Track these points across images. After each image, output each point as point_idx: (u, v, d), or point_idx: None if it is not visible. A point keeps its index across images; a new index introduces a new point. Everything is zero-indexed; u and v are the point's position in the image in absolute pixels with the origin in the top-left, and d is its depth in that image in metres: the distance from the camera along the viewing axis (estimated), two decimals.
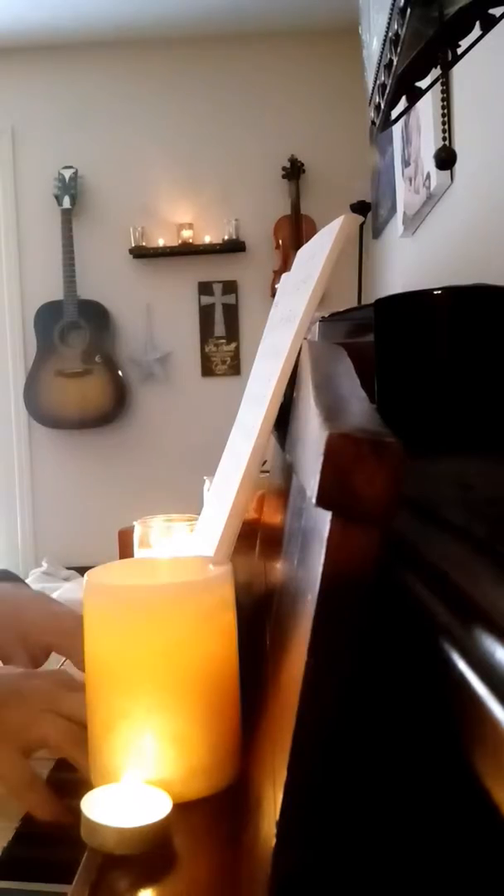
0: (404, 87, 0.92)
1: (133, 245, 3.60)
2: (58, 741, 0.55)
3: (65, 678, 0.60)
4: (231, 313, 3.66)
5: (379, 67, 0.93)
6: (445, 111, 0.96)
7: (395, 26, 0.82)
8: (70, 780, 0.56)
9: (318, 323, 1.00)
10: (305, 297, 0.56)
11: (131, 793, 0.42)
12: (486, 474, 0.47)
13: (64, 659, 0.84)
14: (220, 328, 3.67)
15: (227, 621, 0.47)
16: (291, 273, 0.72)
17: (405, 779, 0.33)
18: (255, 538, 0.84)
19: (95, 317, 3.59)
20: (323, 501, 0.27)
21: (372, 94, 1.00)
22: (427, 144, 2.04)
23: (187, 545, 0.76)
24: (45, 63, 3.63)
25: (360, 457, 0.26)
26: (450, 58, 0.85)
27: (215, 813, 0.44)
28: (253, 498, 0.87)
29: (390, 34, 0.84)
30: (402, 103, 0.96)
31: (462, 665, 0.24)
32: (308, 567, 0.33)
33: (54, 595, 3.01)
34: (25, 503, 3.73)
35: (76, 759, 0.54)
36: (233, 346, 3.67)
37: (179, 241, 3.61)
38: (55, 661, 0.77)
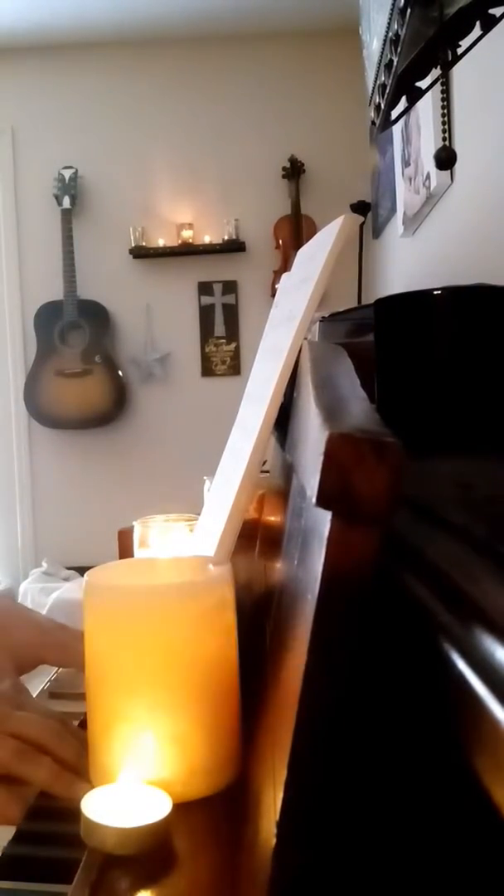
0: (404, 87, 0.92)
1: (133, 245, 3.60)
2: (4, 759, 0.54)
3: (8, 695, 0.59)
4: (231, 313, 3.67)
5: (379, 67, 0.93)
6: (445, 111, 0.96)
7: (396, 26, 0.82)
8: (54, 807, 0.55)
9: (318, 323, 1.00)
10: (305, 297, 0.56)
11: (131, 793, 0.42)
12: (486, 474, 0.47)
13: (56, 670, 0.83)
14: (220, 328, 3.67)
15: (227, 621, 0.47)
16: (291, 273, 0.72)
17: (405, 778, 0.33)
18: (255, 538, 0.84)
19: (95, 317, 3.59)
20: (323, 501, 0.27)
21: (372, 94, 1.00)
22: (427, 144, 2.04)
23: (187, 545, 0.76)
24: (46, 63, 3.63)
25: (360, 457, 0.26)
26: (450, 58, 0.85)
27: (215, 813, 0.44)
28: (253, 498, 0.87)
29: (390, 34, 0.84)
30: (402, 103, 0.96)
31: (462, 665, 0.24)
32: (308, 567, 0.33)
33: (54, 595, 3.03)
34: (25, 503, 3.74)
35: (28, 776, 0.52)
36: (233, 346, 3.67)
37: (179, 241, 3.61)
38: (45, 672, 0.77)
